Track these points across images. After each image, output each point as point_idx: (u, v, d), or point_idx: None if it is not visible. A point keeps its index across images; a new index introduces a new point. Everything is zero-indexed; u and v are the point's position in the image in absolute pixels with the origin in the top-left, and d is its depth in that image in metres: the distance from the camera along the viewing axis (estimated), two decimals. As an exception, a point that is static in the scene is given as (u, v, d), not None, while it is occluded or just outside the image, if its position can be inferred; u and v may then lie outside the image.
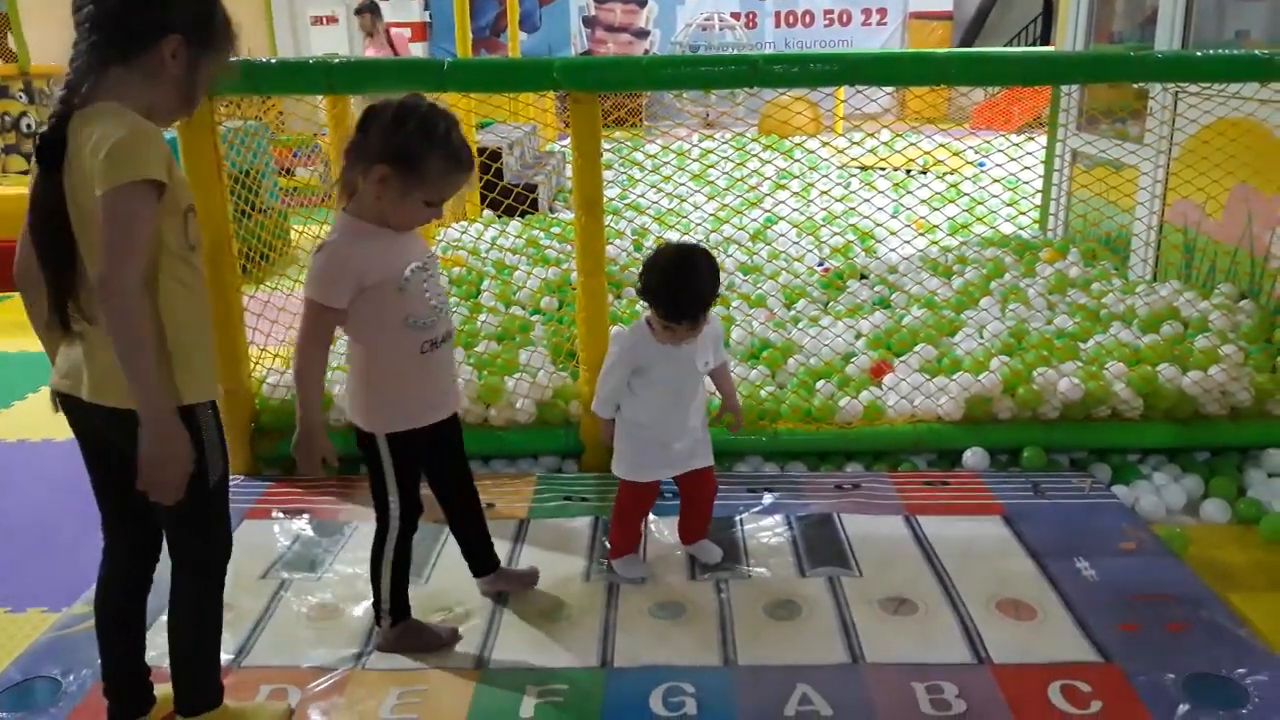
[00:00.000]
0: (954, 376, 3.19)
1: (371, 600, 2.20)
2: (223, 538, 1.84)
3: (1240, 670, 2.09)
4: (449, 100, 5.98)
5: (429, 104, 1.94)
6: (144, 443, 1.59)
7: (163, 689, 1.96)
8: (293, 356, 1.99)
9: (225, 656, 2.16)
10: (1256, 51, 2.94)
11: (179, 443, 1.61)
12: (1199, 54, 3.05)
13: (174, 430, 1.61)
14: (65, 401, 1.74)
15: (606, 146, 3.12)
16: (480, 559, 2.41)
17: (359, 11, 8.20)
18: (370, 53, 8.17)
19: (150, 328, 1.58)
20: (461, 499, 2.35)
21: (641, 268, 2.25)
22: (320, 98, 4.32)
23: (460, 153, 1.94)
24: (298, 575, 2.52)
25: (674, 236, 5.25)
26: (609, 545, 2.55)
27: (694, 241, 2.35)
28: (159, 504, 1.66)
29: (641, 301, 2.32)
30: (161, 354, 1.61)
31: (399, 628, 2.19)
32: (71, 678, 2.11)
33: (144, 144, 1.55)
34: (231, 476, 3.03)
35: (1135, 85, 4.26)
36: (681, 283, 2.20)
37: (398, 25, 14.93)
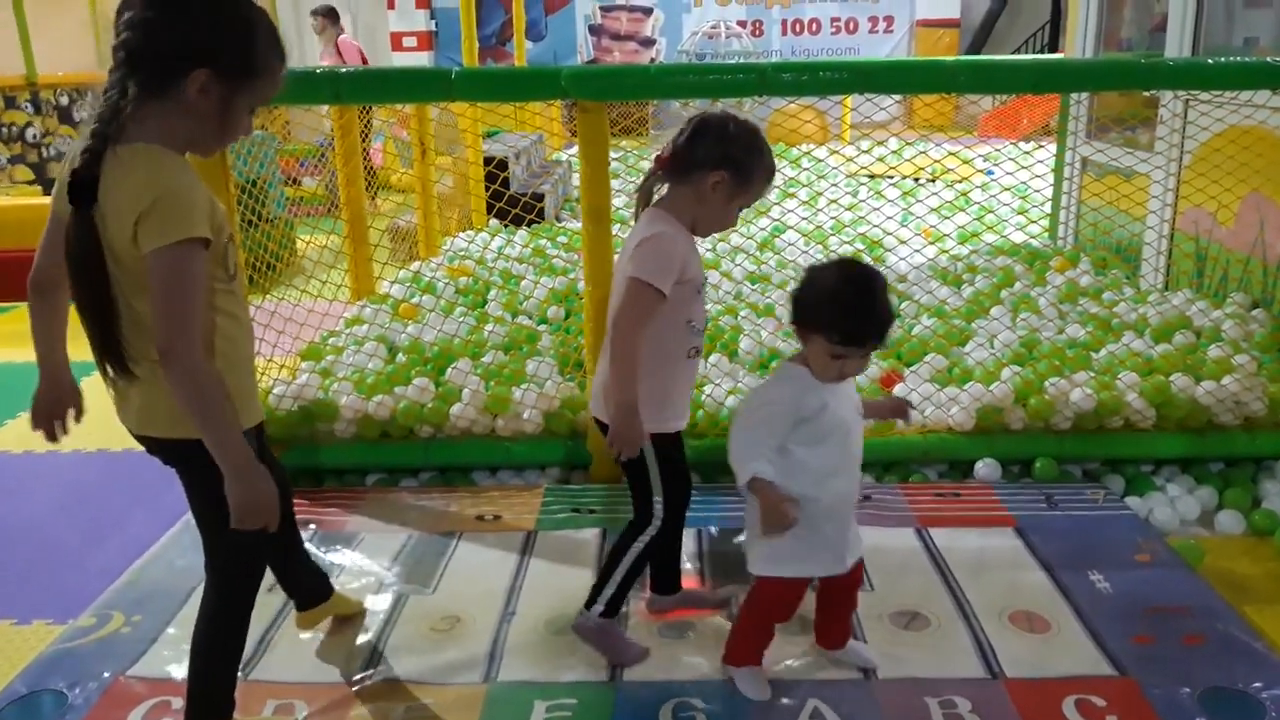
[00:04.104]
0: (965, 386, 3.16)
1: (595, 582, 2.21)
2: (259, 563, 1.88)
3: (1257, 684, 2.06)
4: (455, 110, 5.98)
5: (752, 122, 2.07)
6: (231, 492, 1.58)
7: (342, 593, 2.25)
8: (613, 337, 2.01)
9: (231, 670, 2.15)
10: (1269, 59, 2.92)
11: (263, 483, 1.61)
12: (1210, 61, 3.03)
13: (256, 476, 1.60)
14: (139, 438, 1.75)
15: (614, 155, 3.10)
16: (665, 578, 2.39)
17: (313, 13, 8.19)
18: (325, 62, 8.14)
19: (220, 384, 1.57)
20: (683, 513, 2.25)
21: (796, 296, 1.93)
22: (326, 108, 4.32)
23: (773, 167, 2.08)
24: (304, 588, 2.50)
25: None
26: (730, 654, 2.12)
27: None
28: (204, 530, 1.77)
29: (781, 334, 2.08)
30: (229, 402, 1.59)
31: (605, 622, 2.20)
32: (77, 690, 2.10)
33: (186, 199, 1.52)
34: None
35: (1146, 93, 4.23)
36: (863, 296, 1.87)
37: (404, 34, 15.01)
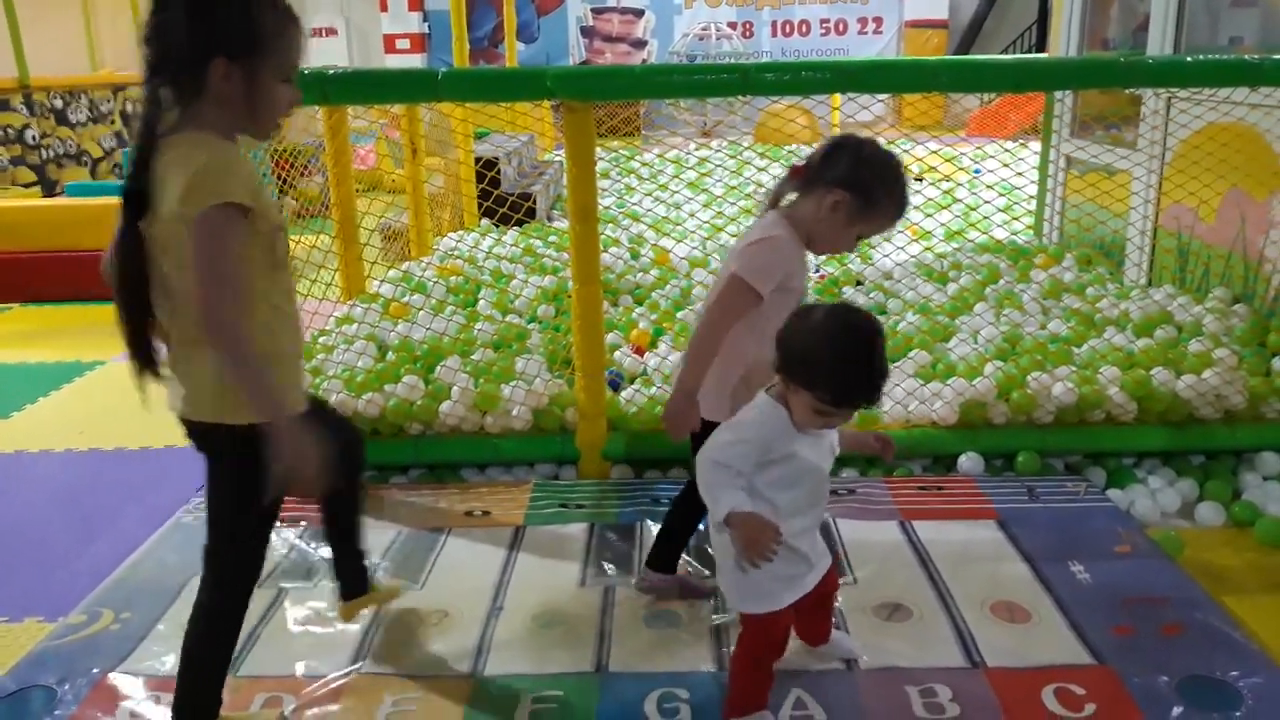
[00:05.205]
0: (948, 381, 3.20)
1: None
2: (258, 558, 1.88)
3: (1234, 673, 2.09)
4: (445, 110, 6.00)
5: (892, 153, 2.08)
6: (278, 453, 1.62)
7: (384, 584, 2.35)
8: (698, 324, 2.08)
9: (220, 664, 2.17)
10: (1246, 56, 2.96)
11: (308, 443, 1.64)
12: (1189, 59, 3.07)
13: (299, 434, 1.64)
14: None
15: (604, 155, 3.13)
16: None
17: None
18: None
19: (254, 344, 1.62)
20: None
21: (785, 345, 1.77)
22: (317, 108, 4.34)
23: (905, 203, 2.08)
24: (294, 584, 2.52)
25: (668, 244, 5.26)
26: (730, 707, 1.97)
27: (835, 301, 1.98)
28: (213, 519, 1.79)
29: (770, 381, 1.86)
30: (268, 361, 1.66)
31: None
32: (66, 687, 2.11)
33: (223, 168, 1.57)
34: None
35: (1128, 91, 4.27)
36: (862, 358, 1.71)
37: (398, 36, 15.02)
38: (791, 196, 2.13)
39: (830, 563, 2.00)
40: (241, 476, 1.70)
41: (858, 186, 2.02)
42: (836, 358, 1.71)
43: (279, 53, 1.63)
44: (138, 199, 1.60)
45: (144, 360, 1.70)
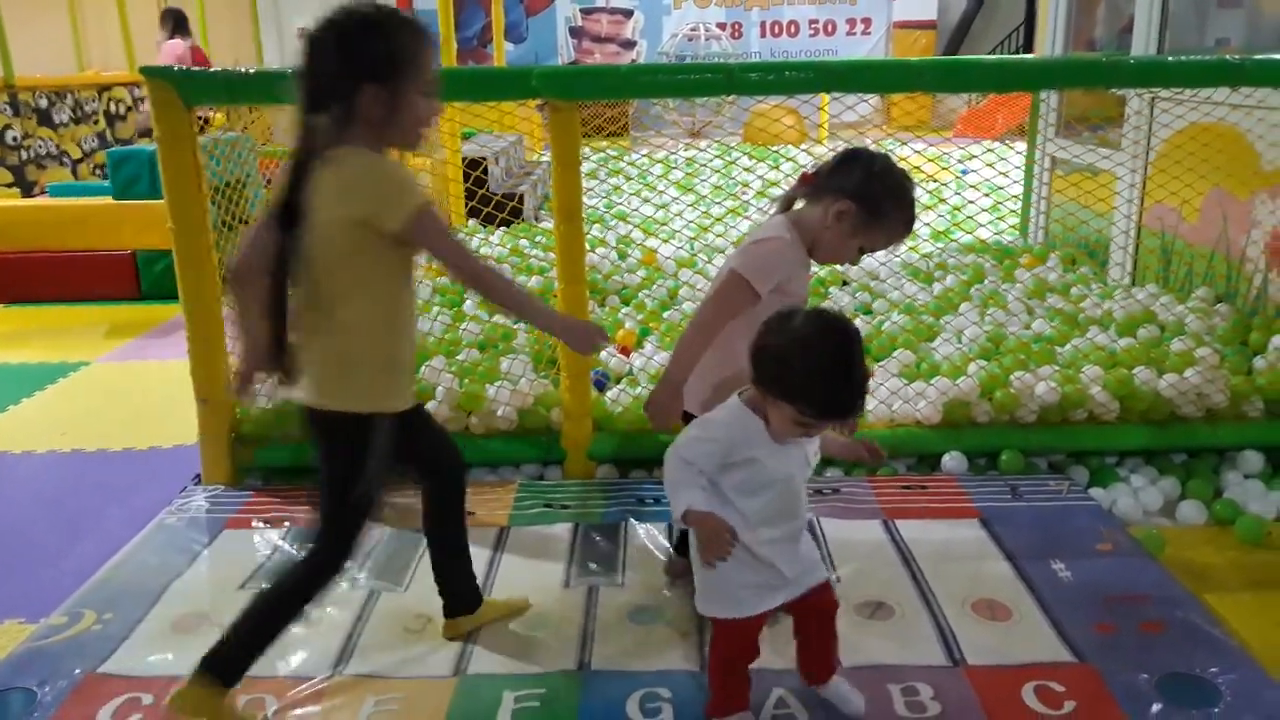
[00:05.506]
0: (932, 381, 3.21)
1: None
2: (348, 551, 1.96)
3: (1213, 670, 2.10)
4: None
5: (904, 170, 2.09)
6: (564, 339, 1.98)
7: (494, 599, 2.35)
8: (693, 317, 2.14)
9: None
10: (1227, 57, 2.98)
11: (580, 320, 1.99)
12: (1170, 59, 3.08)
13: (571, 319, 1.99)
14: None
15: (591, 155, 3.13)
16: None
17: (162, 15, 8.28)
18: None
19: (501, 273, 1.93)
20: None
21: (761, 355, 1.73)
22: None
23: (911, 220, 2.10)
24: (277, 584, 2.52)
25: (654, 244, 5.26)
26: (710, 708, 1.97)
27: (814, 306, 1.88)
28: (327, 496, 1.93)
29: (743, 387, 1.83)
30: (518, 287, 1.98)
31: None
32: (47, 689, 2.10)
33: (400, 176, 1.79)
34: (211, 486, 3.06)
35: (1112, 91, 4.30)
36: (845, 369, 1.68)
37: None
38: (801, 203, 2.15)
39: (822, 581, 1.90)
40: (353, 457, 1.87)
41: (866, 199, 2.03)
42: (821, 372, 1.66)
43: (417, 70, 1.80)
44: (291, 211, 1.78)
45: (276, 354, 1.87)
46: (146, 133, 7.89)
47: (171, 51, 8.13)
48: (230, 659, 1.92)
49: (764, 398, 1.74)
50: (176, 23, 8.16)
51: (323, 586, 1.96)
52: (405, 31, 1.79)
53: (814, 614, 1.94)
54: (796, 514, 1.83)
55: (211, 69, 3.13)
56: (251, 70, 2.93)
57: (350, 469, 1.88)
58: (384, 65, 1.76)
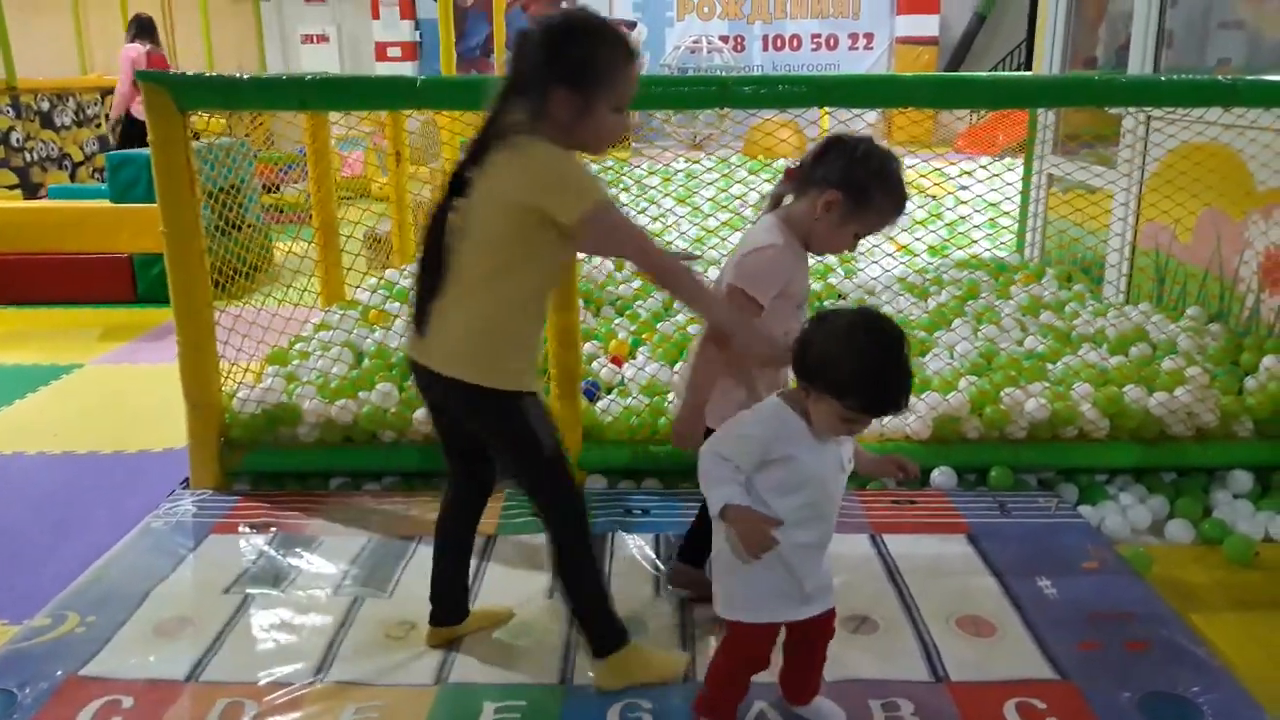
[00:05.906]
0: (922, 396, 3.21)
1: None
2: (571, 496, 2.04)
3: (1195, 689, 2.09)
4: (434, 118, 5.98)
5: (888, 150, 2.07)
6: (732, 334, 1.97)
7: (478, 607, 2.32)
8: (700, 339, 2.11)
9: (181, 670, 2.16)
10: (1220, 77, 2.98)
11: (753, 328, 1.97)
12: (1163, 79, 3.09)
13: (737, 314, 1.97)
14: (414, 367, 2.01)
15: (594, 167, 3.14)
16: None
17: (130, 21, 8.28)
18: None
19: (675, 263, 1.97)
20: None
21: (807, 349, 1.73)
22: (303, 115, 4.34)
23: (902, 199, 2.08)
24: (261, 590, 2.51)
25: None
26: (699, 703, 1.98)
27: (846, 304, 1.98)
28: (520, 478, 2.04)
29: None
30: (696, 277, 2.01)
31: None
32: (27, 690, 2.10)
33: (580, 170, 1.85)
34: (199, 491, 3.06)
35: (1108, 110, 4.31)
36: (893, 363, 1.68)
37: (389, 44, 15.02)
38: (789, 198, 2.13)
39: (830, 608, 1.90)
40: (516, 429, 1.95)
41: (851, 186, 2.01)
42: (868, 365, 1.67)
43: (613, 86, 1.84)
44: (462, 182, 1.86)
45: (420, 316, 1.94)
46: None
47: (126, 55, 8.12)
48: (604, 632, 2.07)
49: (807, 394, 1.74)
50: (140, 28, 8.13)
51: (586, 527, 2.04)
52: (608, 45, 1.83)
53: (811, 637, 1.93)
54: (828, 517, 1.83)
55: (206, 75, 3.14)
56: (245, 75, 2.94)
57: (521, 438, 1.95)
58: (578, 73, 1.80)
